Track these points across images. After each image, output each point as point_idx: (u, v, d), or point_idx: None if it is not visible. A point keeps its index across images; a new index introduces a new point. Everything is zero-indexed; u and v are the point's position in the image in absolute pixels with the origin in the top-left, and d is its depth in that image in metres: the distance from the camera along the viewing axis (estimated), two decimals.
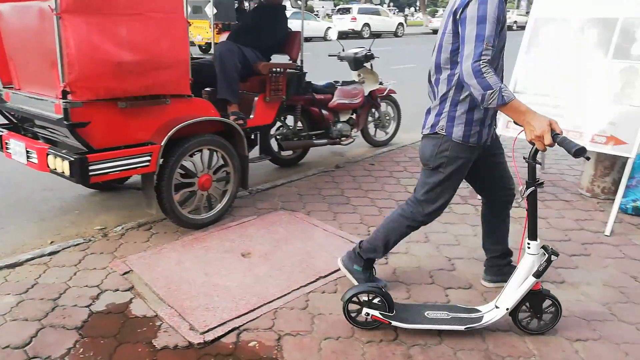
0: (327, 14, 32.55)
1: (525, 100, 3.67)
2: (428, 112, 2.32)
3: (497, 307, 2.17)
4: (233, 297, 2.48)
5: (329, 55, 5.56)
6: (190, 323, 2.27)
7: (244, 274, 2.71)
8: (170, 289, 2.55)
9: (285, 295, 2.52)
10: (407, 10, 50.92)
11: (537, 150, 1.98)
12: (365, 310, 2.19)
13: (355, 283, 2.48)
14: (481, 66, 1.90)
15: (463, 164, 2.23)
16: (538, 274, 2.07)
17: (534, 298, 2.16)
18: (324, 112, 4.79)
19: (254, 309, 2.39)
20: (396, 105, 5.69)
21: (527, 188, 2.04)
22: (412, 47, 19.09)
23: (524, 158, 2.04)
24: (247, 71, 3.82)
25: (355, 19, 25.29)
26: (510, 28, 25.03)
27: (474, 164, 2.30)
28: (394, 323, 2.18)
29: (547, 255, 2.07)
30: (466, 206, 3.72)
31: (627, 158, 3.18)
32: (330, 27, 23.27)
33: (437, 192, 2.30)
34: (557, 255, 2.08)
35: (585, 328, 2.25)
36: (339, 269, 2.69)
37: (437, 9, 38.21)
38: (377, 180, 4.34)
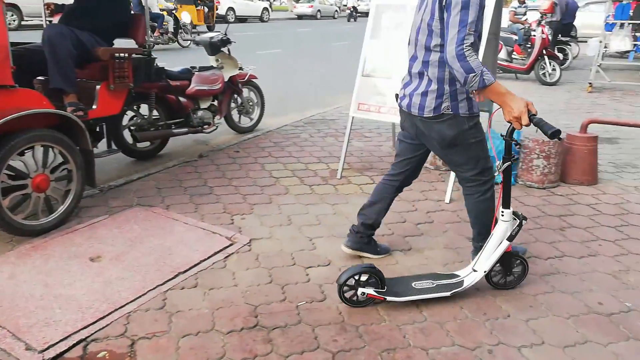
0: None
1: (373, 82, 3.95)
2: (423, 95, 2.30)
3: (474, 270, 2.36)
4: (79, 307, 2.26)
5: (183, 40, 5.30)
6: (26, 342, 2.02)
7: (93, 279, 2.49)
8: (1, 307, 2.24)
9: (139, 297, 2.36)
10: None
11: (513, 129, 2.14)
12: (360, 290, 2.25)
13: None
14: (464, 50, 2.00)
15: (479, 127, 2.35)
16: (511, 238, 2.30)
17: (506, 259, 2.37)
18: (181, 99, 4.58)
19: (104, 317, 2.20)
20: (259, 91, 5.66)
21: (503, 163, 2.23)
22: (278, 32, 19.15)
23: (502, 135, 2.23)
24: (84, 57, 3.46)
25: (219, 2, 24.56)
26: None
27: (420, 143, 2.50)
28: (388, 298, 2.26)
29: (518, 220, 2.30)
30: (326, 186, 3.86)
31: None
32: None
33: (484, 156, 2.41)
34: (526, 219, 2.32)
35: None
36: (199, 262, 2.61)
37: None
38: (242, 167, 4.29)
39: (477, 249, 2.54)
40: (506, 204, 2.31)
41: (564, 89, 8.58)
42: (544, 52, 8.79)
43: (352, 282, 2.27)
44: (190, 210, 3.36)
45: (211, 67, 4.91)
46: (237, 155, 4.61)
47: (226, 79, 4.94)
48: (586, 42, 8.38)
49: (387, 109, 3.83)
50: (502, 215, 2.32)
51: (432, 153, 4.13)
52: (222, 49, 5.00)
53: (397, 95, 2.56)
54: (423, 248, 2.91)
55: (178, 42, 12.67)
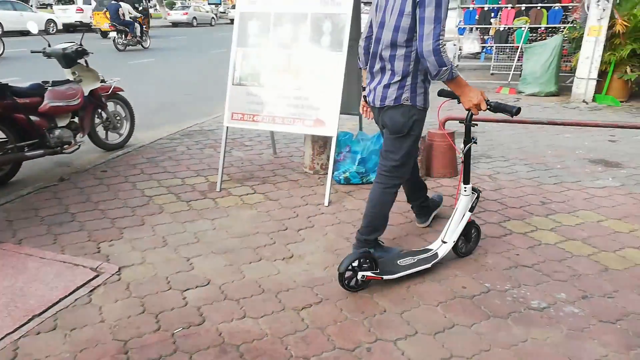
0: (44, 4, 28.31)
1: (245, 91, 3.90)
2: (385, 87, 2.51)
3: (444, 242, 2.70)
4: None
5: (32, 52, 4.77)
6: None
7: None
8: None
9: None
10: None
11: (472, 115, 2.46)
12: (360, 274, 2.43)
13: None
14: (440, 45, 2.22)
15: (422, 124, 2.60)
16: (472, 209, 2.71)
17: (468, 228, 2.76)
18: (33, 118, 4.09)
19: None
20: (127, 104, 5.29)
21: (465, 145, 2.56)
22: (154, 41, 18.22)
23: (462, 122, 2.54)
24: None
25: (81, 9, 22.71)
26: None
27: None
28: (385, 277, 2.48)
29: (476, 194, 2.72)
30: (205, 201, 3.72)
31: (331, 137, 3.66)
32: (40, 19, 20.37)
33: (410, 153, 2.65)
34: (480, 192, 2.79)
35: (310, 295, 2.49)
36: (58, 301, 2.34)
37: (175, 1, 37.31)
38: (110, 188, 3.95)
39: (360, 241, 2.75)
40: (466, 181, 2.68)
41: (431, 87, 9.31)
42: None
43: (350, 268, 2.42)
44: (48, 243, 3.00)
45: (67, 81, 4.46)
46: (105, 176, 4.25)
47: (86, 93, 4.53)
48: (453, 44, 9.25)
49: (262, 117, 3.80)
50: (465, 191, 2.69)
51: (310, 157, 4.26)
52: (78, 61, 4.58)
53: (364, 97, 2.78)
54: (304, 254, 2.92)
55: (142, 45, 16.66)
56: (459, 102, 2.48)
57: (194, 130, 5.98)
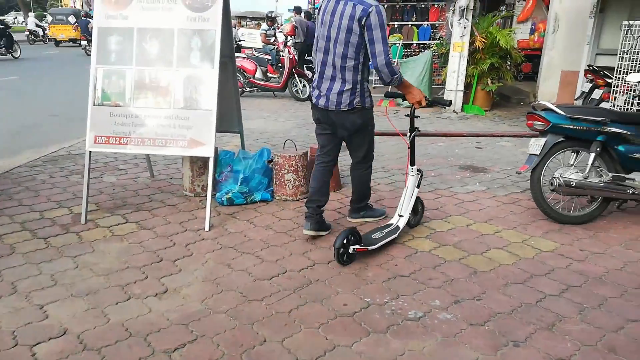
0: None
1: (108, 111, 3.56)
2: (339, 94, 3.01)
3: (401, 215, 3.23)
4: None
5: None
6: None
7: None
8: None
9: None
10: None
11: (414, 110, 3.14)
12: (351, 247, 2.85)
13: (373, 219, 3.55)
14: (390, 59, 2.89)
15: (372, 120, 3.21)
16: (419, 185, 3.32)
17: (415, 203, 3.32)
18: None
19: None
20: None
21: (410, 134, 3.19)
22: (22, 56, 16.40)
23: (406, 115, 3.19)
24: None
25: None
26: None
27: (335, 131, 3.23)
28: (370, 248, 2.95)
29: (420, 172, 3.32)
30: (67, 236, 3.31)
31: (209, 157, 3.48)
32: None
33: (372, 144, 3.31)
34: (422, 172, 3.39)
35: (184, 333, 2.29)
36: None
37: (45, 14, 34.20)
38: None
39: (353, 209, 3.56)
40: (413, 163, 3.25)
41: None
42: (294, 71, 9.58)
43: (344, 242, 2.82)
44: None
45: None
46: None
47: None
48: None
49: (130, 140, 3.50)
50: (412, 171, 3.26)
51: (189, 179, 4.03)
52: None
53: (310, 97, 3.21)
54: (181, 286, 2.70)
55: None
56: (404, 99, 3.20)
57: (60, 155, 5.39)
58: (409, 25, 8.99)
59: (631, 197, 3.46)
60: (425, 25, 9.02)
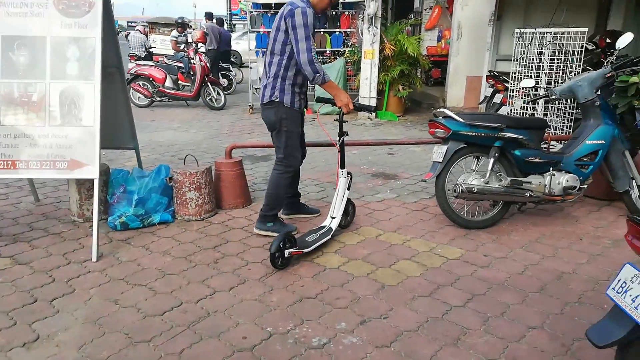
0: None
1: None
2: (264, 87, 3.19)
3: (333, 217, 3.30)
4: None
5: None
6: None
7: None
8: None
9: None
10: None
11: (343, 113, 3.22)
12: (286, 251, 2.87)
13: (275, 234, 3.22)
14: (313, 57, 2.98)
15: (294, 122, 3.24)
16: (349, 187, 3.38)
17: (346, 204, 3.41)
18: None
19: None
20: None
21: (339, 138, 3.26)
22: None
23: (336, 120, 3.27)
24: None
25: None
26: None
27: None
28: (305, 251, 2.99)
29: (350, 175, 3.38)
30: None
31: (95, 179, 3.12)
32: None
33: (290, 145, 3.28)
34: (351, 174, 3.45)
35: None
36: None
37: None
38: None
39: (260, 218, 3.44)
40: (343, 166, 3.32)
41: (230, 112, 9.20)
42: (206, 79, 9.21)
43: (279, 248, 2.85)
44: None
45: None
46: None
47: None
48: (250, 67, 9.24)
49: (20, 163, 3.05)
50: (342, 174, 3.32)
51: (77, 203, 3.62)
52: None
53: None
54: (55, 332, 2.34)
55: None
56: (334, 104, 3.27)
57: None
58: (322, 33, 8.98)
59: (529, 199, 3.58)
60: (338, 33, 9.05)
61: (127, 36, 24.06)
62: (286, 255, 2.90)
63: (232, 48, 14.73)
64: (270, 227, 3.42)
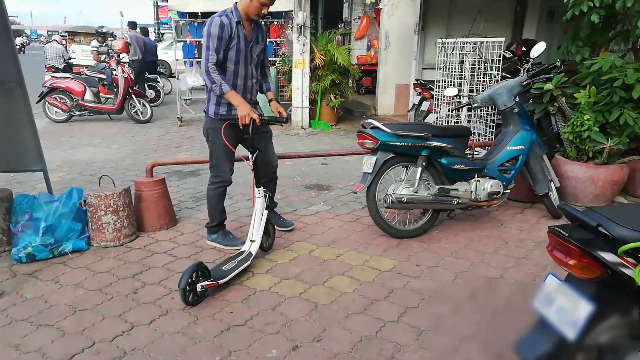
0: None
1: None
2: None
3: (252, 241, 3.07)
4: None
5: None
6: None
7: None
8: None
9: None
10: None
11: (254, 128, 2.99)
12: (199, 285, 2.62)
13: (223, 246, 3.38)
14: (209, 67, 2.98)
15: (217, 133, 3.10)
16: (267, 207, 3.18)
17: (266, 225, 3.19)
18: None
19: None
20: None
21: (251, 154, 3.04)
22: None
23: (245, 136, 3.06)
24: None
25: None
26: None
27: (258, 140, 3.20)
28: (221, 282, 2.74)
29: (266, 194, 3.16)
30: None
31: None
32: None
33: (215, 156, 3.25)
34: (269, 193, 3.27)
35: None
36: None
37: None
38: None
39: (207, 227, 3.45)
40: (258, 185, 3.12)
41: (158, 125, 8.78)
42: (130, 90, 8.75)
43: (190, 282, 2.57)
44: None
45: None
46: None
47: None
48: (178, 78, 8.84)
49: None
50: (259, 193, 3.12)
51: None
52: None
53: None
54: None
55: None
56: (268, 123, 3.20)
57: None
58: None
59: (457, 206, 3.64)
60: (268, 42, 8.95)
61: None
62: (199, 289, 2.64)
63: (160, 58, 14.18)
64: (215, 239, 3.43)
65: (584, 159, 4.16)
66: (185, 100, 9.45)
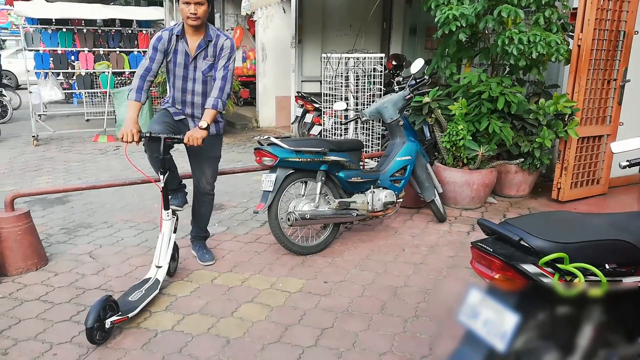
0: None
1: None
2: None
3: (158, 266, 2.88)
4: None
5: None
6: None
7: None
8: None
9: None
10: None
11: (165, 145, 2.81)
12: (107, 321, 2.38)
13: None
14: (137, 70, 3.01)
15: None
16: (175, 230, 3.03)
17: (173, 249, 3.00)
18: None
19: None
20: None
21: (162, 175, 2.85)
22: None
23: (155, 156, 2.89)
24: None
25: None
26: None
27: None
28: (130, 315, 2.52)
29: (175, 215, 3.04)
30: None
31: None
32: None
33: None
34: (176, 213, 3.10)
35: None
36: None
37: None
38: None
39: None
40: (166, 207, 2.91)
41: (8, 145, 7.60)
42: None
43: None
44: None
45: None
46: None
47: None
48: (30, 91, 7.69)
49: None
50: (167, 216, 2.93)
51: None
52: None
53: None
54: None
55: None
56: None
57: None
58: (117, 52, 8.10)
59: (357, 218, 3.70)
60: (136, 52, 8.29)
61: None
62: (107, 325, 2.40)
63: (4, 68, 12.38)
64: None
65: (460, 165, 4.55)
66: (39, 115, 8.34)
